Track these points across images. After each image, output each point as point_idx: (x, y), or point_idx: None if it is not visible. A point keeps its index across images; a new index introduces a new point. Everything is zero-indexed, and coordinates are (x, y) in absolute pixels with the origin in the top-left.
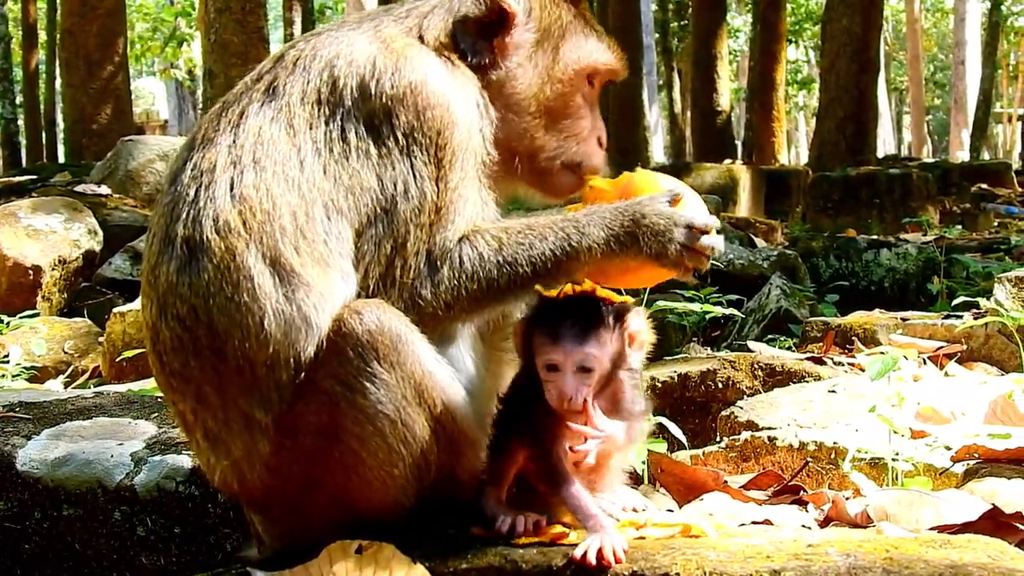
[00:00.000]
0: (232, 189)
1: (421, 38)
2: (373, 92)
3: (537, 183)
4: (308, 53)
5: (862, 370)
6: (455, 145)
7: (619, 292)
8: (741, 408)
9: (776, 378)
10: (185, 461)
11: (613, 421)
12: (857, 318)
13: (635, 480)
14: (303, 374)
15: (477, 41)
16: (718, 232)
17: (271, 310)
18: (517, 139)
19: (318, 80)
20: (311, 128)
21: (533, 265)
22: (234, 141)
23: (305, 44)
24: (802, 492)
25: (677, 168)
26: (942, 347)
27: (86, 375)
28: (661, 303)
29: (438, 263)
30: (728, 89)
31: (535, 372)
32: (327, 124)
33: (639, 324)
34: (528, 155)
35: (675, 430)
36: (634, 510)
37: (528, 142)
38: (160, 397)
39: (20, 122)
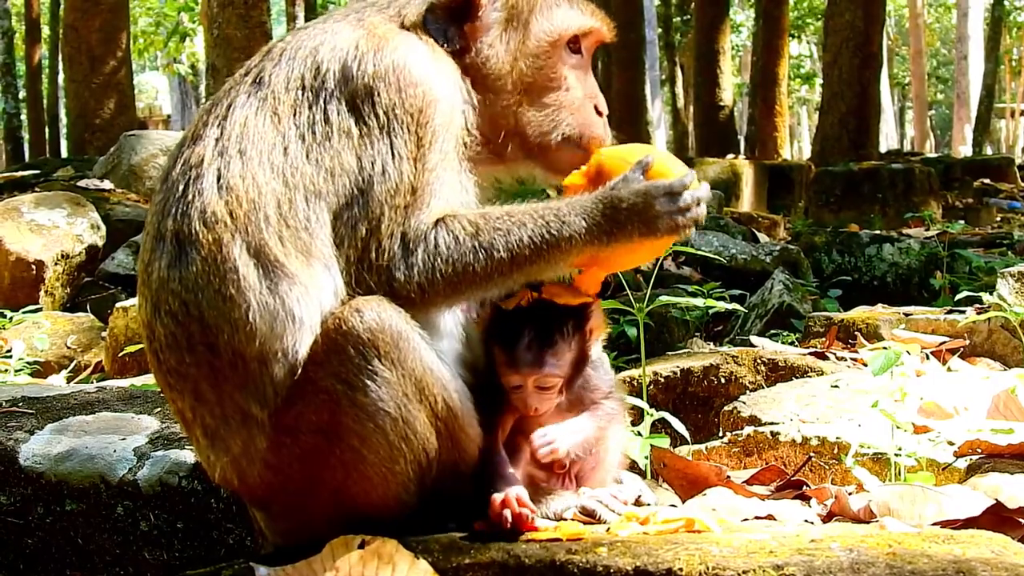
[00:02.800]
0: (219, 180)
1: (402, 24)
2: (355, 72)
3: (537, 161)
4: (294, 44)
5: (865, 365)
6: (436, 125)
7: (575, 288)
8: (744, 403)
9: (779, 373)
10: (188, 456)
11: (575, 420)
12: (860, 313)
13: (638, 475)
14: (300, 371)
15: (448, 27)
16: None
17: (255, 302)
18: (503, 119)
19: (302, 67)
20: (295, 114)
21: (511, 252)
22: (221, 133)
23: (292, 37)
24: (805, 487)
25: None
26: (945, 342)
27: (89, 370)
28: (664, 298)
29: (411, 245)
30: (731, 84)
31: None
32: (311, 108)
33: (596, 318)
34: (517, 134)
35: (678, 425)
36: (637, 503)
37: (514, 120)
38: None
39: (23, 117)
